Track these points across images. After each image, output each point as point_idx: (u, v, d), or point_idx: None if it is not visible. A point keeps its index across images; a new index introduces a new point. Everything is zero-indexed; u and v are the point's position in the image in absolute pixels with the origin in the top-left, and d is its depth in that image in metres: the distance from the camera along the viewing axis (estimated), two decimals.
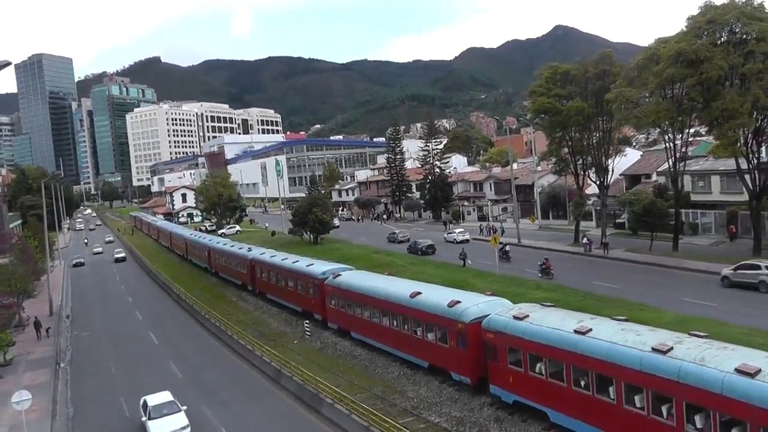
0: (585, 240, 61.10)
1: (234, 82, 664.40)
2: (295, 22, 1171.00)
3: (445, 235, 78.15)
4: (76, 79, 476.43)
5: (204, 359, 43.50)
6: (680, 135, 55.07)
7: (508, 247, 61.05)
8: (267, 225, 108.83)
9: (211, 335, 49.20)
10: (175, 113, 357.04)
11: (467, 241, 73.31)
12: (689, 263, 50.87)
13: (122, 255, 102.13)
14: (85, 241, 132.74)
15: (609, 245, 59.86)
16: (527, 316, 26.69)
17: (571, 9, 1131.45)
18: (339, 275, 43.17)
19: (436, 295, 33.09)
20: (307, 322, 45.27)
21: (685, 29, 49.64)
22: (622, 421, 21.82)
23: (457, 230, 78.75)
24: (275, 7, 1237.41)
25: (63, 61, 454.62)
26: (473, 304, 30.06)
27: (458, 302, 30.42)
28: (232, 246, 70.67)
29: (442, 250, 67.89)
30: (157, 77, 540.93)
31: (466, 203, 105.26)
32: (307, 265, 48.94)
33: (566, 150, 66.57)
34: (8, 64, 20.41)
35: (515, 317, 26.86)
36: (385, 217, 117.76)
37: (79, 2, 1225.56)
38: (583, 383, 23.45)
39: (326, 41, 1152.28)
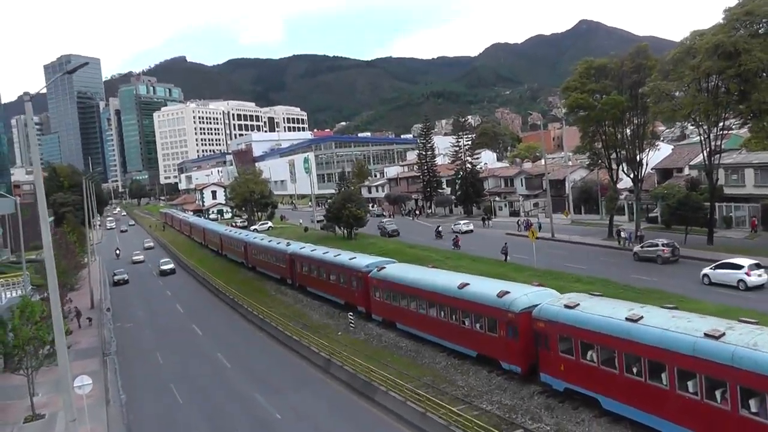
0: (624, 234, 61.15)
1: (259, 81, 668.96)
2: (319, 20, 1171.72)
3: (453, 226, 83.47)
4: (104, 79, 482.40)
5: (250, 350, 44.65)
6: (714, 128, 55.11)
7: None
8: (301, 221, 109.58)
9: (255, 327, 50.44)
10: (202, 112, 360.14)
11: (471, 231, 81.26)
12: (725, 256, 50.75)
13: (170, 266, 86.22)
14: (117, 252, 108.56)
15: (644, 239, 60.09)
16: (578, 305, 27.22)
17: (596, 3, 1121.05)
18: (383, 268, 43.87)
19: (484, 286, 33.74)
20: (351, 314, 46.07)
21: (722, 21, 49.72)
22: (675, 406, 22.20)
23: (462, 222, 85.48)
24: (298, 5, 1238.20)
25: (91, 62, 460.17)
26: (522, 294, 30.67)
27: (507, 292, 31.04)
28: (270, 241, 71.83)
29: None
30: (182, 76, 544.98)
31: (497, 198, 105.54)
32: (350, 259, 49.75)
33: (600, 144, 66.85)
34: (86, 63, 21.33)
35: (566, 306, 27.39)
36: (417, 212, 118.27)
37: (104, 5, 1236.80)
38: (635, 370, 23.81)
39: (350, 38, 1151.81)
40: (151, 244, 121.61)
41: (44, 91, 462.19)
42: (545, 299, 29.49)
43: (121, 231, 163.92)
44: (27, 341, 32.29)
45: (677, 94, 54.98)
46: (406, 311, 39.70)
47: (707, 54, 47.79)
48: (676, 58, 52.54)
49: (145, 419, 33.34)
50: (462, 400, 29.01)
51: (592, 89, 62.85)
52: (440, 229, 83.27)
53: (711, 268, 43.52)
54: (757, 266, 41.16)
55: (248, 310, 53.97)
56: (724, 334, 21.35)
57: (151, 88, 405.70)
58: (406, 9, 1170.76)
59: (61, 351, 22.25)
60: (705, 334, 21.65)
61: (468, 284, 34.23)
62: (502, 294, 31.06)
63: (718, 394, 20.97)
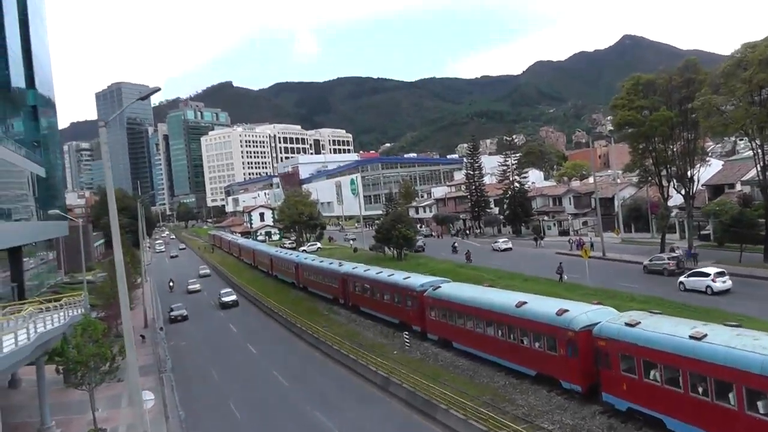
0: (678, 252, 60.34)
1: (304, 104, 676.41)
2: (363, 42, 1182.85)
3: (492, 245, 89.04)
4: (152, 105, 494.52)
5: (306, 368, 45.16)
6: None
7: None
8: (352, 242, 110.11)
9: (309, 346, 51.05)
10: (249, 135, 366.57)
11: (510, 249, 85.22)
12: None
13: (233, 298, 75.61)
14: (171, 284, 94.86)
15: (697, 257, 59.33)
16: (639, 323, 27.09)
17: (639, 18, 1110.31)
18: (439, 287, 44.16)
19: (542, 305, 33.85)
20: (406, 333, 46.29)
21: None
22: (744, 427, 21.80)
23: (501, 240, 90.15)
24: (341, 28, 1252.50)
25: (140, 89, 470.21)
26: (581, 313, 30.70)
27: (567, 311, 31.12)
28: (322, 261, 72.80)
29: (492, 258, 78.87)
30: (229, 101, 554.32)
31: (546, 218, 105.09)
32: (404, 278, 50.22)
33: (650, 161, 66.35)
34: (158, 89, 22.25)
35: (627, 324, 27.31)
36: (467, 232, 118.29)
37: (149, 32, 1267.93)
38: (700, 389, 23.52)
39: (394, 60, 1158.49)
40: (207, 271, 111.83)
41: (94, 117, 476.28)
42: (605, 317, 29.49)
43: (171, 257, 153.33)
44: (90, 357, 33.40)
45: (728, 107, 54.43)
46: (463, 330, 39.84)
47: (760, 66, 47.36)
48: (727, 71, 52.16)
49: None
50: (523, 419, 28.94)
51: (640, 106, 62.62)
52: (456, 245, 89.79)
53: (685, 277, 50.02)
54: (721, 274, 47.72)
55: (302, 330, 54.68)
56: None
57: (199, 113, 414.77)
58: (450, 30, 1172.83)
59: (132, 366, 23.02)
60: None
61: (526, 303, 34.37)
62: (561, 312, 31.11)
63: None
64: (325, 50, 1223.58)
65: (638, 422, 26.69)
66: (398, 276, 52.14)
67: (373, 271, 57.47)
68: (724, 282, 47.20)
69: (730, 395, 22.38)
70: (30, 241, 69.75)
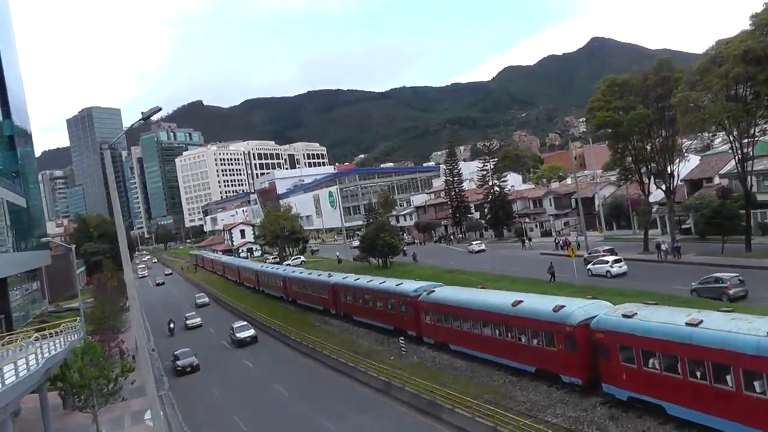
0: (665, 246, 61.52)
1: (276, 120, 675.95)
2: (330, 55, 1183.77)
3: (468, 247, 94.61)
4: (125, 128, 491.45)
5: (305, 378, 45.63)
6: (746, 135, 55.61)
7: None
8: (338, 253, 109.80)
9: (305, 356, 51.48)
10: (223, 153, 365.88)
11: (483, 251, 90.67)
12: (766, 262, 51.14)
13: (250, 333, 61.53)
14: (171, 326, 73.91)
15: (680, 249, 60.61)
16: (635, 314, 27.82)
17: (607, 20, 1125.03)
18: (433, 291, 44.73)
19: (538, 302, 34.52)
20: (402, 338, 46.73)
21: (749, 27, 50.52)
22: (742, 407, 22.54)
23: (474, 242, 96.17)
24: (308, 43, 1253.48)
25: (111, 113, 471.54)
26: (578, 307, 31.38)
27: (563, 306, 31.79)
28: (310, 273, 73.17)
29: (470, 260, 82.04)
30: (201, 120, 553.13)
31: (527, 220, 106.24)
32: (397, 285, 50.69)
33: (629, 159, 67.64)
34: (159, 109, 22.58)
35: (624, 316, 28.02)
36: (450, 238, 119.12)
37: (117, 58, 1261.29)
38: (699, 374, 24.22)
39: (362, 70, 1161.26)
40: (206, 299, 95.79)
41: (65, 144, 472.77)
42: (601, 311, 30.17)
43: (157, 284, 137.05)
44: (92, 380, 33.64)
45: (705, 103, 55.72)
46: (459, 332, 40.35)
47: (736, 61, 48.63)
48: (703, 67, 53.44)
49: None
50: (527, 414, 29.53)
51: (617, 106, 63.82)
52: (414, 252, 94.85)
53: (592, 264, 59.25)
54: (618, 261, 57.31)
55: (297, 341, 55.02)
56: None
57: (172, 134, 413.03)
58: (415, 40, 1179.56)
59: (149, 383, 23.35)
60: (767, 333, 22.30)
61: (522, 301, 34.99)
62: (558, 308, 31.79)
63: None
64: (293, 66, 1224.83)
65: (639, 410, 27.35)
66: (390, 283, 52.62)
67: (363, 280, 57.87)
68: (620, 267, 56.65)
69: (728, 377, 23.10)
70: (16, 272, 69.48)
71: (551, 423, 28.19)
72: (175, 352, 55.64)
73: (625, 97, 64.14)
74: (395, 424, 33.13)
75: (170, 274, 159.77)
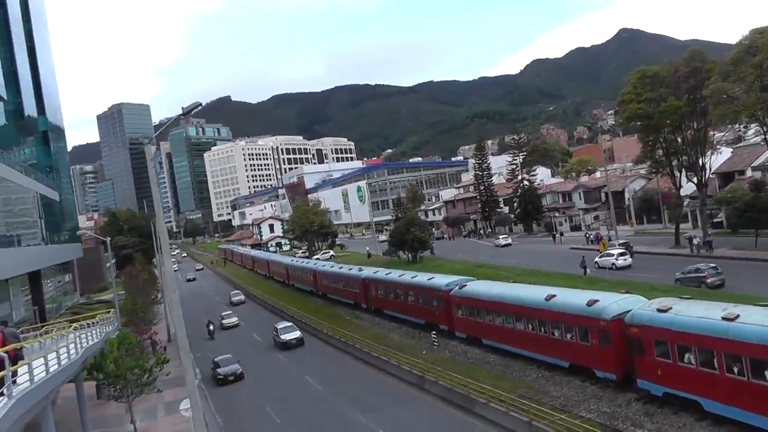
0: (697, 240, 61.02)
1: (303, 114, 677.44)
2: (358, 49, 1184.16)
3: (495, 242, 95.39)
4: (153, 124, 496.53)
5: (337, 371, 45.92)
6: None
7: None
8: (368, 248, 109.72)
9: (337, 350, 51.79)
10: (251, 148, 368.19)
11: (510, 245, 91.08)
12: None
13: (296, 335, 56.29)
14: (210, 327, 67.40)
15: (712, 243, 60.06)
16: (670, 308, 27.69)
17: (636, 10, 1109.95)
18: (465, 285, 44.89)
19: (571, 297, 34.59)
20: (434, 332, 46.96)
21: None
22: None
23: (501, 236, 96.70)
24: (335, 39, 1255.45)
25: (141, 108, 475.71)
26: (612, 302, 31.33)
27: (597, 301, 31.77)
28: (341, 267, 73.67)
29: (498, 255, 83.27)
30: (229, 116, 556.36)
31: (557, 214, 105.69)
32: (429, 279, 50.93)
33: (660, 152, 67.07)
34: (199, 105, 22.83)
35: (659, 310, 27.94)
36: (481, 233, 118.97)
37: (147, 56, 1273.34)
38: (736, 369, 24.06)
39: (390, 65, 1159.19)
40: (242, 297, 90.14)
41: (95, 139, 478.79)
42: (635, 305, 30.10)
43: (188, 280, 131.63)
44: (128, 370, 34.27)
45: (738, 94, 55.12)
46: (492, 326, 40.50)
47: None
48: (736, 58, 52.93)
49: None
50: (561, 409, 29.58)
51: (648, 98, 63.24)
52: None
53: (598, 257, 61.58)
54: (623, 254, 60.09)
55: (329, 335, 55.41)
56: None
57: (200, 130, 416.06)
58: (442, 34, 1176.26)
59: (189, 371, 23.78)
60: None
61: (555, 296, 35.03)
62: (592, 303, 31.77)
63: None
64: (321, 60, 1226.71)
65: (674, 406, 27.25)
66: (422, 277, 52.86)
67: (395, 274, 58.27)
68: (625, 260, 59.39)
69: (766, 373, 22.94)
70: (50, 264, 70.72)
71: (586, 418, 28.17)
72: (216, 359, 50.25)
73: (656, 89, 63.49)
74: (431, 417, 33.30)
75: (201, 269, 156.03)
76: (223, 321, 71.46)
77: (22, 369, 19.66)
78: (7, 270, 49.34)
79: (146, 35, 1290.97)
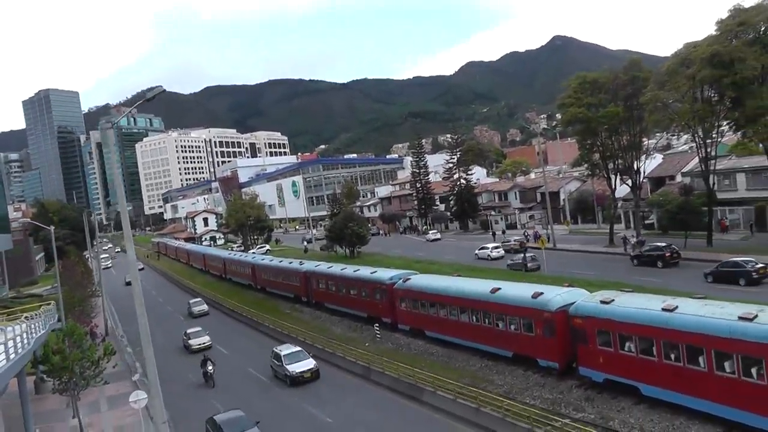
0: (633, 240, 63.34)
1: (236, 108, 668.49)
2: (294, 44, 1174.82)
3: (425, 237, 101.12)
4: (83, 112, 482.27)
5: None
6: (710, 135, 57.53)
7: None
8: (305, 243, 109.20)
9: (280, 343, 51.41)
10: (184, 140, 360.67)
11: (439, 239, 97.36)
12: (726, 256, 52.77)
13: (309, 366, 39.92)
14: (209, 369, 43.49)
15: (644, 243, 62.40)
16: (613, 300, 29.08)
17: (569, 19, 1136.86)
18: (408, 279, 45.60)
19: (516, 289, 35.70)
20: (377, 325, 47.53)
21: (715, 32, 52.38)
22: (714, 386, 23.93)
23: (431, 232, 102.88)
24: (272, 28, 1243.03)
25: (70, 95, 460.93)
26: (556, 294, 32.53)
27: (542, 293, 32.90)
28: (281, 261, 73.31)
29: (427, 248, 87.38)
30: (160, 106, 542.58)
31: (492, 212, 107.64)
32: (371, 273, 51.56)
33: (597, 155, 69.36)
34: (162, 89, 22.70)
35: (602, 302, 29.25)
36: (418, 229, 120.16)
37: (76, 38, 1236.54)
38: (673, 356, 25.58)
39: (325, 61, 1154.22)
40: (204, 307, 70.70)
41: (21, 126, 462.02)
42: (579, 297, 31.40)
43: (127, 283, 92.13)
44: (75, 362, 33.62)
45: (672, 103, 57.57)
46: (436, 318, 41.28)
47: (703, 64, 50.34)
48: (671, 69, 55.15)
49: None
50: (505, 396, 30.49)
51: (588, 103, 65.34)
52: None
53: (478, 250, 72.06)
54: (496, 248, 71.39)
55: (271, 328, 55.28)
56: (756, 316, 23.32)
57: (132, 119, 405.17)
58: (384, 36, 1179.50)
59: (149, 360, 23.60)
60: (739, 317, 23.59)
61: (500, 288, 36.03)
62: (537, 295, 32.87)
63: (754, 371, 22.74)
64: (256, 53, 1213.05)
65: (613, 392, 28.63)
66: (365, 271, 53.38)
67: (337, 268, 58.59)
68: (498, 252, 70.60)
69: (701, 359, 24.53)
70: None
71: (529, 404, 29.12)
72: (217, 418, 32.02)
73: (595, 94, 65.67)
74: (379, 406, 33.73)
75: (142, 269, 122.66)
76: (189, 341, 54.24)
77: None
78: None
79: (75, 24, 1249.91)
